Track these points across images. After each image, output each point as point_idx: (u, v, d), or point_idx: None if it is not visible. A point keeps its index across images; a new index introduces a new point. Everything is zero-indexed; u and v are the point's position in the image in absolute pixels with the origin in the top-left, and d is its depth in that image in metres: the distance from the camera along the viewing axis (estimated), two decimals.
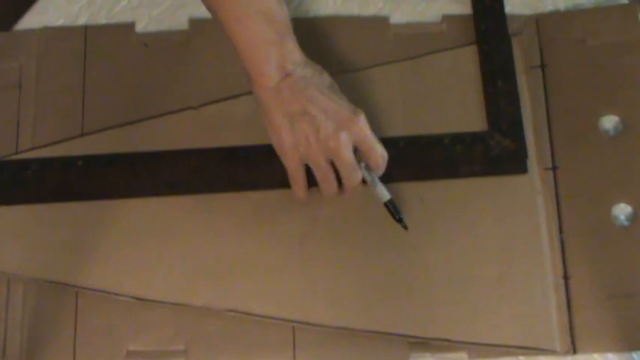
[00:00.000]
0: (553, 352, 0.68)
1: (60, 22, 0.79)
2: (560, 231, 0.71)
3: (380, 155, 0.68)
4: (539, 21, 0.76)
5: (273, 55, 0.66)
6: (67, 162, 0.73)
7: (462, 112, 0.74)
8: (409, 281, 0.70)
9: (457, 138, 0.73)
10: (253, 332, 0.70)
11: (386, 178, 0.70)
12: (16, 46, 0.77)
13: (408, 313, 0.69)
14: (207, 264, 0.71)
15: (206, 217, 0.72)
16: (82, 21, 0.79)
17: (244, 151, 0.73)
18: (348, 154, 0.67)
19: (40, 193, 0.73)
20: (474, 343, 0.68)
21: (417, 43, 0.77)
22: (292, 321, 0.69)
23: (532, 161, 0.73)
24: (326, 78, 0.69)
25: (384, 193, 0.69)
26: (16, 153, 0.75)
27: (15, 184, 0.73)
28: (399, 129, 0.74)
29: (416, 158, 0.72)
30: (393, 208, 0.69)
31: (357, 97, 0.74)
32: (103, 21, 0.79)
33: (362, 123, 0.67)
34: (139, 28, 0.78)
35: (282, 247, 0.71)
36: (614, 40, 0.75)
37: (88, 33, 0.78)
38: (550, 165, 0.73)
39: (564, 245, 0.71)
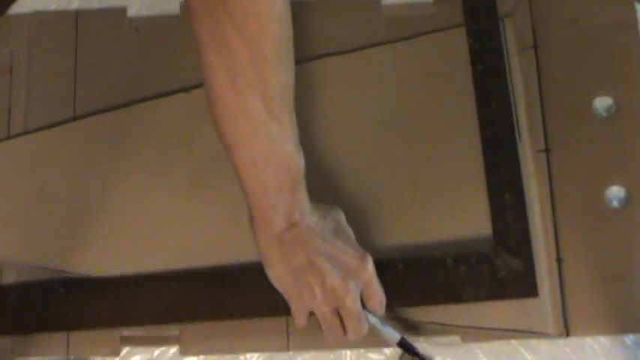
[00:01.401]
0: (546, 335, 0.68)
1: (52, 7, 0.79)
2: (553, 213, 0.71)
3: (380, 300, 0.65)
4: (532, 1, 0.75)
5: (282, 203, 0.62)
6: (48, 288, 0.70)
7: (453, 97, 0.74)
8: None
9: (461, 258, 0.68)
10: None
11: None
12: (7, 31, 0.77)
13: None
14: (200, 248, 0.71)
15: (199, 202, 0.72)
16: (73, 6, 0.79)
17: (231, 275, 0.70)
18: (356, 306, 0.63)
19: (20, 322, 0.70)
20: (467, 327, 0.68)
21: (408, 24, 0.76)
22: None
23: (525, 143, 0.72)
24: (330, 222, 0.65)
25: (393, 335, 0.66)
26: (8, 137, 0.75)
27: None
28: (392, 111, 0.73)
29: (416, 282, 0.68)
30: (406, 346, 0.67)
31: (349, 79, 0.74)
32: (94, 6, 0.79)
33: (369, 269, 0.64)
34: (131, 12, 0.78)
35: None
36: (607, 20, 0.74)
37: (79, 17, 0.78)
38: (543, 147, 0.72)
39: (557, 228, 0.70)
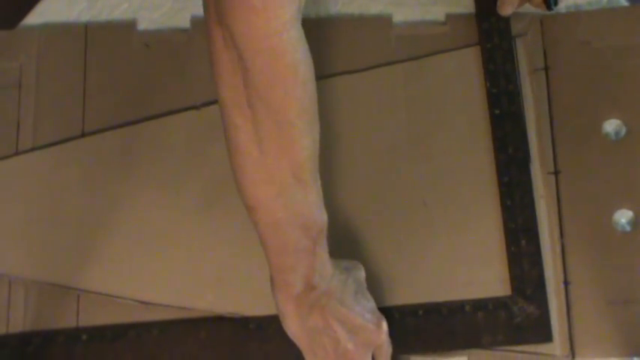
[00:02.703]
0: (552, 357, 0.69)
1: (61, 20, 0.78)
2: (562, 236, 0.71)
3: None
4: (544, 22, 0.75)
5: (302, 266, 0.61)
6: (71, 336, 0.70)
7: (466, 115, 0.74)
8: (412, 284, 0.71)
9: (479, 304, 0.69)
10: None
11: (404, 350, 0.69)
12: (16, 46, 0.77)
13: None
14: (210, 267, 0.71)
15: (209, 221, 0.72)
16: (83, 19, 0.78)
17: (256, 324, 0.70)
18: None
19: None
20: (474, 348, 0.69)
21: (419, 43, 0.76)
22: None
23: (535, 165, 0.72)
24: (351, 284, 0.65)
25: None
26: (17, 154, 0.74)
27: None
28: (403, 131, 0.73)
29: (436, 328, 0.69)
30: None
31: (360, 98, 0.74)
32: (104, 19, 0.78)
33: (384, 335, 0.65)
34: (141, 26, 0.77)
35: None
36: (619, 43, 0.74)
37: (88, 32, 0.77)
38: (552, 169, 0.72)
39: (565, 250, 0.71)
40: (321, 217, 0.62)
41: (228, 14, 0.54)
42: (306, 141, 0.58)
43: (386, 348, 0.66)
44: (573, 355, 0.69)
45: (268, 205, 0.60)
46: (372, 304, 0.66)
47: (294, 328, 0.64)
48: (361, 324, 0.64)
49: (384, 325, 0.65)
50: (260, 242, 0.62)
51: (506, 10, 0.74)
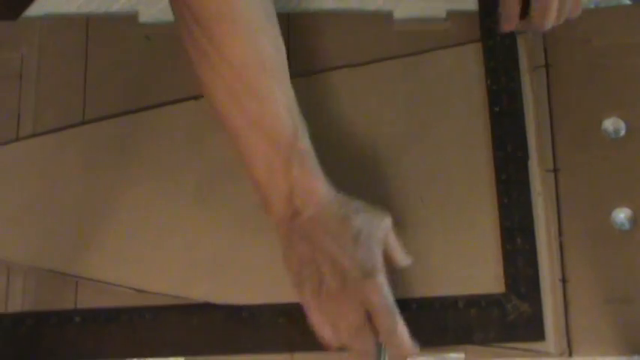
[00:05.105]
0: (548, 354, 0.68)
1: (63, 11, 0.79)
2: (560, 233, 0.71)
3: (388, 329, 0.61)
4: None
5: (278, 183, 0.60)
6: (64, 318, 0.71)
7: (465, 112, 0.74)
8: (406, 279, 0.70)
9: (472, 301, 0.69)
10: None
11: None
12: (18, 36, 0.77)
13: None
14: (206, 257, 0.71)
15: (206, 211, 0.72)
16: (85, 10, 0.79)
17: (249, 312, 0.70)
18: (347, 323, 0.60)
19: (34, 351, 0.70)
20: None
21: (420, 38, 0.76)
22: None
23: (533, 162, 0.72)
24: (356, 226, 0.60)
25: None
26: (17, 140, 0.75)
27: (7, 341, 0.71)
28: (402, 126, 0.73)
29: (428, 323, 0.69)
30: None
31: (359, 92, 0.74)
32: (106, 11, 0.79)
33: (370, 288, 0.59)
34: (142, 18, 0.78)
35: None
36: (619, 41, 0.74)
37: (89, 23, 0.77)
38: (551, 167, 0.72)
39: (563, 248, 0.71)
40: (289, 131, 0.59)
41: None
42: (249, 48, 0.58)
43: (379, 310, 0.60)
44: (570, 352, 0.68)
45: (224, 113, 0.60)
46: (376, 257, 0.60)
47: (283, 255, 0.62)
48: (347, 267, 0.59)
49: (377, 281, 0.59)
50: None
51: (506, 28, 0.73)
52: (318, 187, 0.61)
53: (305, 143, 0.60)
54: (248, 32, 0.58)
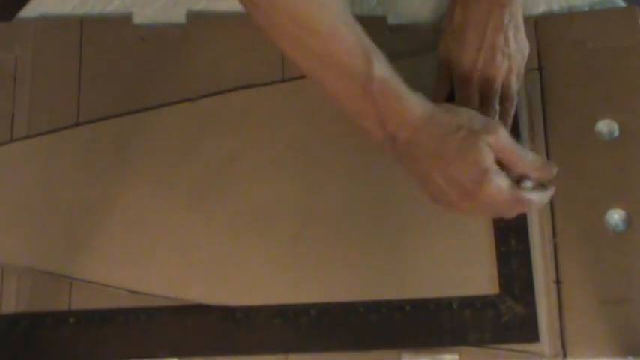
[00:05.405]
0: (542, 356, 0.69)
1: (57, 12, 0.79)
2: (554, 235, 0.71)
3: (529, 165, 0.62)
4: (538, 23, 0.76)
5: (367, 112, 0.60)
6: (59, 319, 0.71)
7: None
8: (401, 280, 0.70)
9: (466, 302, 0.70)
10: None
11: (391, 344, 0.69)
12: (12, 37, 0.77)
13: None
14: (200, 258, 0.71)
15: (201, 212, 0.72)
16: (79, 12, 0.79)
17: (243, 313, 0.70)
18: (496, 211, 0.63)
19: (28, 352, 0.71)
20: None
21: (415, 41, 0.76)
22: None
23: None
24: (452, 142, 0.60)
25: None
26: (11, 141, 0.75)
27: (1, 342, 0.71)
28: None
29: (423, 324, 0.70)
30: None
31: None
32: (100, 12, 0.79)
33: (485, 187, 0.60)
34: (137, 20, 0.78)
35: (274, 244, 0.71)
36: (613, 44, 0.74)
37: (84, 25, 0.77)
38: None
39: (557, 249, 0.71)
40: (361, 61, 0.58)
41: None
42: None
43: (497, 198, 0.61)
44: (565, 354, 0.69)
45: (294, 57, 0.59)
46: (485, 163, 0.60)
47: (403, 170, 0.63)
48: (460, 182, 0.60)
49: (487, 181, 0.59)
50: None
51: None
52: (407, 109, 0.60)
53: (382, 70, 0.59)
54: None
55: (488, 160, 0.60)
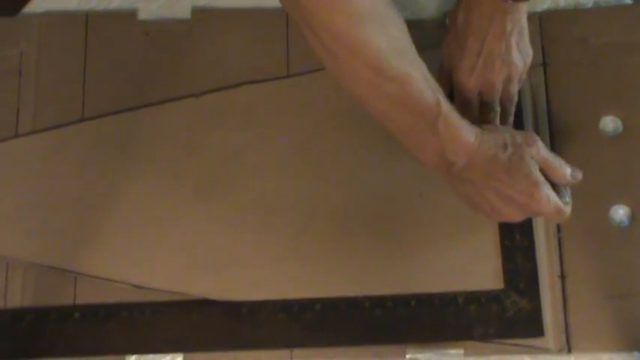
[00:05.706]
0: (547, 351, 0.69)
1: (62, 7, 0.79)
2: (558, 230, 0.71)
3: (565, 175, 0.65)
4: (543, 19, 0.76)
5: (427, 144, 0.62)
6: (64, 314, 0.71)
7: None
8: (406, 275, 0.71)
9: (471, 297, 0.70)
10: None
11: (396, 339, 0.70)
12: (17, 32, 0.78)
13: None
14: (205, 254, 0.71)
15: (205, 208, 0.72)
16: (84, 7, 0.79)
17: (248, 308, 0.70)
18: (539, 210, 0.65)
19: (34, 347, 0.70)
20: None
21: (419, 37, 0.76)
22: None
23: None
24: (502, 160, 0.63)
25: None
26: (16, 136, 0.75)
27: (7, 336, 0.71)
28: None
29: (428, 319, 0.70)
30: None
31: None
32: (105, 8, 0.79)
33: (539, 204, 0.63)
34: (142, 16, 0.78)
35: (279, 239, 0.71)
36: (617, 40, 0.75)
37: (89, 20, 0.78)
38: None
39: (562, 244, 0.71)
40: (432, 102, 0.60)
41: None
42: (379, 42, 0.58)
43: (546, 209, 0.64)
44: (569, 348, 0.69)
45: (367, 100, 0.61)
46: (532, 176, 0.63)
47: (453, 191, 0.66)
48: (512, 196, 0.63)
49: (540, 191, 0.63)
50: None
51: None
52: (464, 139, 0.62)
53: (445, 106, 0.61)
54: (374, 24, 0.59)
55: (536, 172, 0.63)
